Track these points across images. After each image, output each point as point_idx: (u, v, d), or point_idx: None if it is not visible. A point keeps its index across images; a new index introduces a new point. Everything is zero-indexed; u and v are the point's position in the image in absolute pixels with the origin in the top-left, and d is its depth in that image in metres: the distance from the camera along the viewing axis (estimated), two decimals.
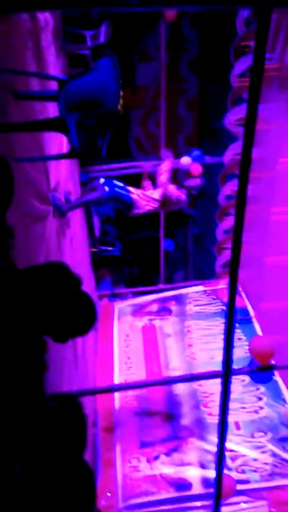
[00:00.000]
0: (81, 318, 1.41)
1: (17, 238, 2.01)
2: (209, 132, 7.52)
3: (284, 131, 4.89)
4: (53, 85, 2.83)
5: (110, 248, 7.63)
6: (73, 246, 4.38)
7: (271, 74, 4.68)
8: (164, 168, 4.48)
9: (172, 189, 4.40)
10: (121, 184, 4.24)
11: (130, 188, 4.26)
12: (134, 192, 4.24)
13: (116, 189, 4.15)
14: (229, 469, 3.89)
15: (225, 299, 6.20)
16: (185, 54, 7.46)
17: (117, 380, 5.07)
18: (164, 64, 5.76)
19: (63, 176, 3.96)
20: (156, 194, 4.33)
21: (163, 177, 4.42)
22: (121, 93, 2.57)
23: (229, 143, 5.65)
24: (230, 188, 5.76)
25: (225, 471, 2.88)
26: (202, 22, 7.00)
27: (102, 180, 4.16)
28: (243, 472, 3.97)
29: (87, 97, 2.35)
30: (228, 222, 5.94)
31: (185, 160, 6.19)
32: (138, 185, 4.47)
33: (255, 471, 3.97)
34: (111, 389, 3.67)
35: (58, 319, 1.34)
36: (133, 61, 7.32)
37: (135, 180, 4.68)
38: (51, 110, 2.97)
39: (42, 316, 1.31)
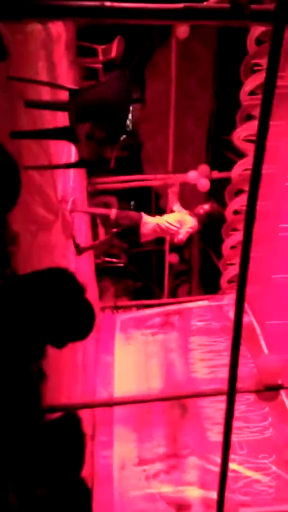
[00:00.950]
0: (80, 322, 1.38)
1: (21, 245, 1.99)
2: (217, 148, 7.55)
3: None
4: (64, 96, 2.85)
5: (114, 260, 7.62)
6: (77, 256, 4.36)
7: (282, 91, 4.70)
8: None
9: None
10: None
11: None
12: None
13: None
14: (231, 491, 3.77)
15: (230, 315, 6.16)
16: (195, 71, 7.54)
17: (116, 393, 4.98)
18: (174, 80, 5.83)
19: (70, 186, 3.96)
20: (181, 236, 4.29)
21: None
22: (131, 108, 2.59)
23: (237, 159, 5.67)
24: (237, 203, 5.75)
25: (227, 493, 2.79)
26: (213, 40, 7.09)
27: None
28: (246, 494, 3.85)
29: (97, 108, 2.36)
30: (235, 238, 5.91)
31: (193, 175, 6.21)
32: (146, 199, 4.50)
33: (258, 494, 3.85)
34: (111, 403, 3.60)
35: (57, 322, 1.31)
36: (143, 76, 7.41)
37: (143, 192, 4.69)
38: (61, 119, 2.99)
39: (41, 320, 1.28)
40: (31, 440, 1.09)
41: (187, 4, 1.44)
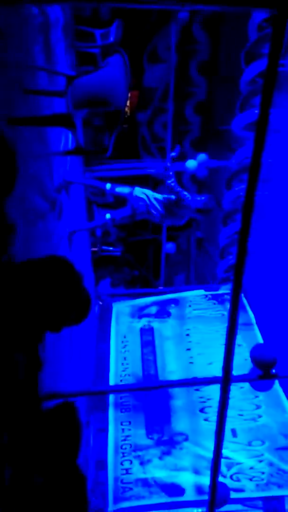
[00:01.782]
0: (77, 306, 1.39)
1: (18, 233, 1.98)
2: (216, 136, 7.49)
3: None
4: (61, 81, 2.81)
5: (111, 249, 7.60)
6: (74, 244, 4.35)
7: (282, 80, 4.66)
8: None
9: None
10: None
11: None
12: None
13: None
14: (224, 476, 3.84)
15: (226, 304, 6.17)
16: (195, 57, 7.44)
17: (112, 380, 5.02)
18: (173, 66, 5.75)
19: (67, 174, 3.92)
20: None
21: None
22: (129, 94, 2.55)
23: (236, 148, 5.63)
24: (235, 193, 5.74)
25: (220, 479, 2.84)
26: (213, 25, 6.97)
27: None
28: (238, 480, 3.92)
29: (95, 94, 2.32)
30: (232, 227, 5.91)
31: (191, 163, 6.17)
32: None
33: (250, 479, 3.91)
34: (106, 391, 3.63)
35: (54, 309, 1.31)
36: (141, 62, 7.30)
37: (140, 181, 4.67)
38: (58, 105, 2.95)
39: (38, 307, 1.28)
40: (28, 428, 1.10)
41: None
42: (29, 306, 1.27)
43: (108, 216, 4.34)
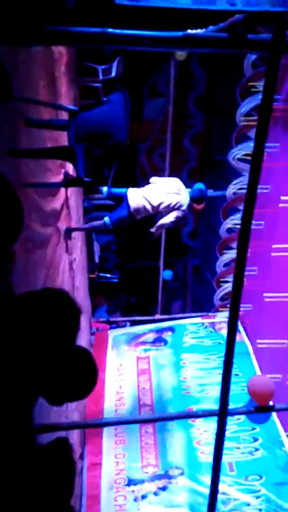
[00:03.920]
0: (80, 375, 1.32)
1: (17, 262, 2.00)
2: (213, 167, 7.66)
3: (287, 169, 4.99)
4: (64, 115, 2.90)
5: (108, 275, 7.61)
6: (73, 272, 4.36)
7: (277, 114, 4.83)
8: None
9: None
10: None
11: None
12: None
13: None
14: None
15: (223, 332, 6.14)
16: (193, 92, 7.72)
17: (107, 410, 4.91)
18: (172, 100, 5.95)
19: (66, 201, 3.99)
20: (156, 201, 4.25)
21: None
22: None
23: (231, 178, 5.75)
24: (231, 222, 5.82)
25: None
26: (210, 62, 7.27)
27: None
28: None
29: (97, 129, 2.40)
30: (228, 256, 5.95)
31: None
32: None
33: None
34: (102, 424, 3.54)
35: (50, 339, 1.28)
36: (142, 95, 7.56)
37: None
38: (60, 138, 3.03)
39: (35, 338, 1.26)
40: (21, 466, 1.07)
41: (186, 33, 1.49)
42: (26, 337, 1.26)
43: (106, 219, 4.39)
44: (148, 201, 4.24)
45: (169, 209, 4.29)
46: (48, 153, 2.68)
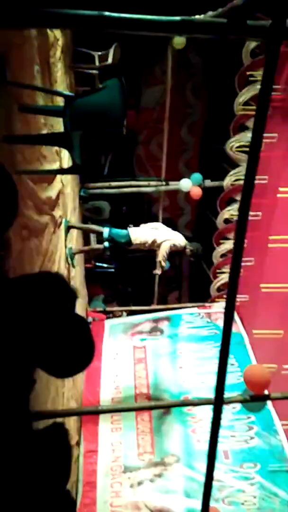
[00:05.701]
0: (77, 346, 1.33)
1: (12, 250, 1.98)
2: (210, 156, 7.61)
3: (285, 160, 4.97)
4: (60, 101, 2.86)
5: (105, 265, 7.60)
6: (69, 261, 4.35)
7: (275, 104, 4.78)
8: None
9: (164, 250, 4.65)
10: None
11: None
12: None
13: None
14: (216, 500, 3.76)
15: (219, 322, 6.16)
16: (191, 80, 7.62)
17: (103, 399, 4.95)
18: (170, 88, 5.88)
19: (62, 190, 3.96)
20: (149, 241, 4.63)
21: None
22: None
23: (229, 168, 5.73)
24: (228, 212, 5.80)
25: (212, 503, 2.78)
26: (208, 50, 7.17)
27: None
28: (230, 504, 3.85)
29: (93, 115, 2.36)
30: (225, 246, 5.95)
31: (185, 182, 6.25)
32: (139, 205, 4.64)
33: (242, 503, 3.84)
34: (98, 411, 3.57)
35: (46, 324, 1.28)
36: (139, 83, 7.46)
37: (135, 198, 4.75)
38: (56, 125, 2.99)
39: (31, 322, 1.26)
40: (17, 451, 1.07)
41: (185, 17, 1.46)
42: (21, 322, 1.25)
43: (106, 230, 4.56)
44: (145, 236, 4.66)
45: (157, 244, 4.68)
46: (43, 139, 2.65)
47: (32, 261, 2.53)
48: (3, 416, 1.10)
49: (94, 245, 5.20)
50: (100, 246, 4.78)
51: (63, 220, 3.98)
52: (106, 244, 4.60)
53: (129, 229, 4.68)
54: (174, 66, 5.89)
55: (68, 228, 4.24)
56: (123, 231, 4.65)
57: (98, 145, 2.41)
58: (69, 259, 4.28)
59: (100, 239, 4.94)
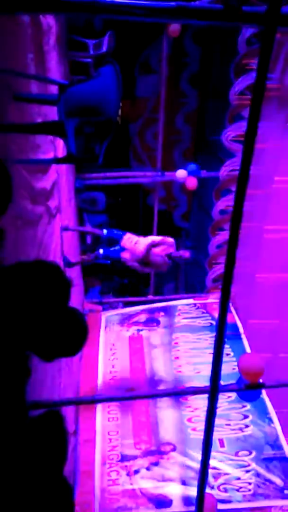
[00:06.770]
0: (70, 333, 1.34)
1: (7, 240, 1.97)
2: (206, 147, 7.58)
3: (280, 150, 4.95)
4: (53, 89, 2.82)
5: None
6: (64, 252, 4.34)
7: (270, 93, 4.76)
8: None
9: (157, 252, 4.55)
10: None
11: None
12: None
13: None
14: (211, 487, 3.82)
15: (215, 313, 6.20)
16: (186, 69, 7.56)
17: (100, 388, 4.98)
18: (165, 77, 5.82)
19: (57, 180, 3.93)
20: (141, 246, 4.53)
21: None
22: (121, 104, 2.58)
23: (225, 158, 5.70)
24: (224, 203, 5.79)
25: (207, 490, 2.82)
26: (204, 39, 7.10)
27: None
28: (225, 491, 3.91)
29: (87, 103, 2.34)
30: (221, 237, 5.95)
31: (181, 173, 6.22)
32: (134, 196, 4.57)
33: (237, 490, 3.90)
34: (94, 400, 3.60)
35: (44, 330, 1.29)
36: (134, 72, 7.39)
37: (130, 189, 4.73)
38: (49, 113, 2.96)
39: (25, 309, 1.26)
40: (14, 438, 1.08)
41: (180, 2, 1.44)
42: (16, 309, 1.25)
43: (105, 232, 4.54)
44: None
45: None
46: (37, 128, 2.62)
47: (27, 251, 2.52)
48: (0, 405, 1.11)
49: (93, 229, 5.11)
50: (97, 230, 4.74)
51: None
52: (105, 232, 4.55)
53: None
54: (169, 54, 5.82)
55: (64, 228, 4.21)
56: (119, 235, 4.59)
57: (93, 133, 2.39)
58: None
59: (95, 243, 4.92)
